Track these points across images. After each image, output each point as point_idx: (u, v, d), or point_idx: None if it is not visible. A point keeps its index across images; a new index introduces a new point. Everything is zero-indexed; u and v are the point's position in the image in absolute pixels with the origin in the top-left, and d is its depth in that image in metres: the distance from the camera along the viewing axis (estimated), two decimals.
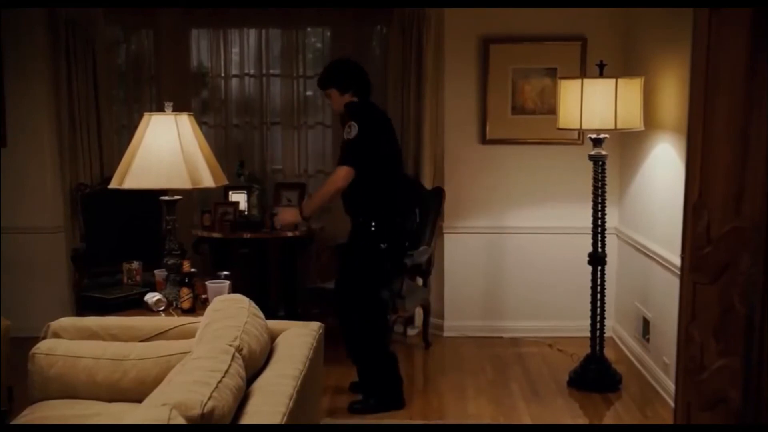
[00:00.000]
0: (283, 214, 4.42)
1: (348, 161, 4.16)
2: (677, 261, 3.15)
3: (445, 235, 5.55)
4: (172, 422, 1.95)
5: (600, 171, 4.54)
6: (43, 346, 3.13)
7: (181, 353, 2.94)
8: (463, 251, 5.58)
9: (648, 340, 4.79)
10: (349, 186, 4.17)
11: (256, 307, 2.95)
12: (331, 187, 4.20)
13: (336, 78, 4.32)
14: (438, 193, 5.34)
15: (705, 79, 2.65)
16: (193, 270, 3.79)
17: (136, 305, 3.83)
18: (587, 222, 4.64)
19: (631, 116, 4.36)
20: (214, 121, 6.00)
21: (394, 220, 4.31)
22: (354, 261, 4.34)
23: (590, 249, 4.63)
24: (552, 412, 4.32)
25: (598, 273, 4.63)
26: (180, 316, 3.61)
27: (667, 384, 4.33)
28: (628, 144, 5.20)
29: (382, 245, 4.26)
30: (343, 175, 4.15)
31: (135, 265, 4.24)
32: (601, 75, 4.45)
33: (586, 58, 5.27)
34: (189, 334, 3.10)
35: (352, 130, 4.14)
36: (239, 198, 5.57)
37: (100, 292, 4.12)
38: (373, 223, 4.23)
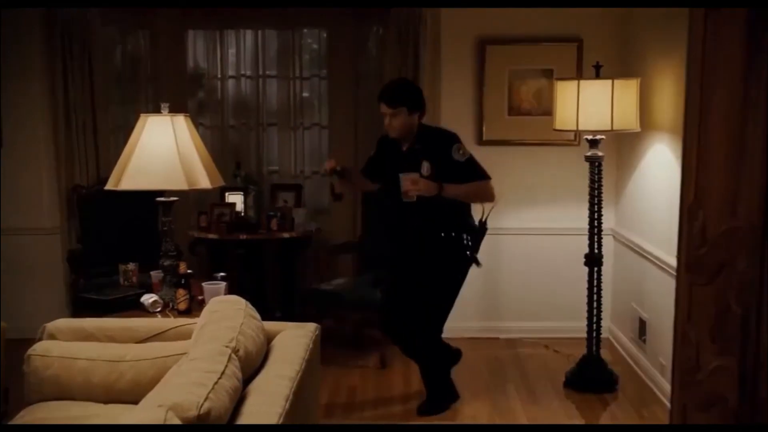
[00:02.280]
0: (424, 182, 4.03)
1: (486, 174, 4.15)
2: (673, 262, 3.15)
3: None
4: (168, 424, 1.94)
5: (596, 172, 4.54)
6: (39, 347, 3.13)
7: (177, 354, 2.93)
8: None
9: (644, 340, 4.79)
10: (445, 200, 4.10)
11: (253, 308, 2.95)
12: (484, 196, 4.16)
13: (410, 96, 4.14)
14: None
15: (701, 80, 2.65)
16: (189, 271, 3.78)
17: (132, 306, 3.82)
18: (584, 223, 4.64)
19: (628, 117, 4.36)
20: (210, 122, 6.01)
21: (480, 229, 4.32)
22: (447, 275, 4.28)
23: (587, 250, 4.63)
24: (548, 413, 4.33)
25: (595, 274, 4.64)
26: (176, 317, 3.61)
27: (663, 385, 4.33)
28: (625, 145, 5.21)
29: (474, 254, 4.30)
30: (493, 189, 4.15)
31: (131, 266, 4.24)
32: (597, 76, 4.45)
33: (583, 60, 5.28)
34: (185, 336, 3.09)
35: (464, 150, 4.11)
36: (236, 199, 5.57)
37: (96, 293, 4.11)
38: (465, 236, 4.23)
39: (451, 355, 4.47)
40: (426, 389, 4.38)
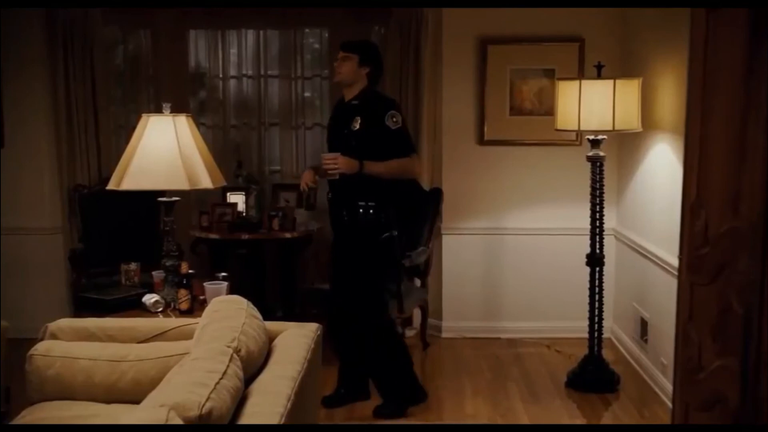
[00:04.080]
0: (343, 160, 4.04)
1: (413, 149, 4.20)
2: (675, 262, 3.15)
3: (443, 236, 5.55)
4: (169, 423, 1.94)
5: (598, 172, 4.54)
6: (41, 347, 3.13)
7: (179, 354, 2.93)
8: (462, 252, 5.58)
9: (646, 341, 4.79)
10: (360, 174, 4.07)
11: (254, 308, 2.95)
12: (408, 172, 4.16)
13: (365, 49, 4.18)
14: (436, 194, 5.33)
15: (702, 80, 2.65)
16: (191, 271, 3.78)
17: (134, 306, 3.82)
18: (585, 223, 4.64)
19: (629, 117, 4.36)
20: (212, 122, 6.01)
21: (404, 206, 4.26)
22: (366, 254, 4.21)
23: (588, 250, 4.63)
24: (550, 413, 4.32)
25: (596, 274, 4.63)
26: (178, 317, 3.61)
27: (664, 385, 4.33)
28: (626, 145, 5.21)
29: (393, 232, 4.19)
30: (419, 164, 4.15)
31: (133, 266, 4.24)
32: (599, 76, 4.45)
33: (584, 59, 5.27)
34: (187, 336, 3.09)
35: (398, 119, 4.10)
36: (237, 199, 5.57)
37: (97, 293, 4.11)
38: (383, 213, 4.14)
39: (407, 357, 4.39)
40: (378, 390, 4.30)
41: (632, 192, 5.13)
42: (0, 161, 5.35)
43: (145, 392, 2.46)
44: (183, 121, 3.82)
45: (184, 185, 3.70)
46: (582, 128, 4.42)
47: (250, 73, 5.97)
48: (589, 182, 4.59)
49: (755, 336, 2.28)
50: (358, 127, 4.12)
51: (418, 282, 5.37)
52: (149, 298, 3.77)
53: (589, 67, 4.85)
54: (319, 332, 3.09)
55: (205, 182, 3.78)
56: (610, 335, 5.43)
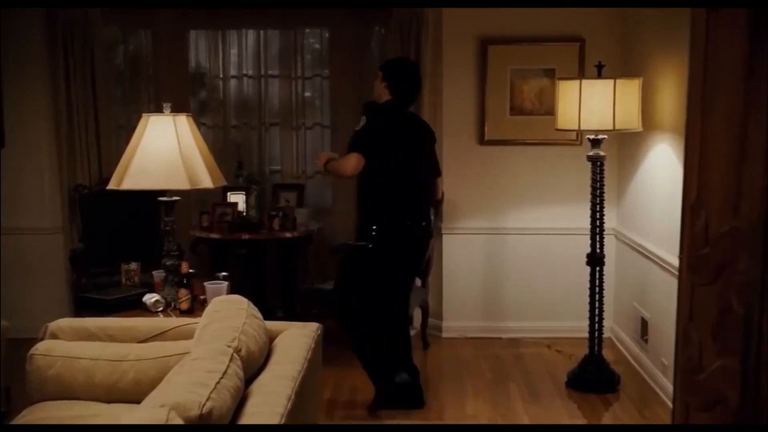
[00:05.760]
0: (321, 158, 4.49)
1: (355, 148, 4.26)
2: (675, 261, 3.15)
3: (444, 236, 5.55)
4: (170, 423, 1.95)
5: (598, 172, 4.54)
6: (42, 347, 3.13)
7: (179, 354, 2.94)
8: (462, 252, 5.58)
9: (646, 340, 4.79)
10: (362, 188, 4.33)
11: (255, 308, 2.95)
12: (340, 169, 4.28)
13: (389, 67, 4.44)
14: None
15: (703, 80, 2.65)
16: (191, 271, 3.78)
17: (134, 306, 3.82)
18: (586, 223, 4.64)
19: (630, 117, 4.36)
20: (212, 122, 6.01)
21: (399, 224, 4.30)
22: (353, 262, 4.40)
23: (589, 250, 4.63)
24: (550, 413, 4.32)
25: (597, 274, 4.63)
26: (178, 317, 3.61)
27: (665, 385, 4.33)
28: (627, 145, 5.21)
29: (382, 249, 4.27)
30: (354, 160, 4.19)
31: (133, 266, 4.24)
32: (599, 76, 4.45)
33: (585, 59, 5.27)
34: (187, 335, 3.09)
35: (360, 123, 4.31)
36: (238, 199, 5.57)
37: (98, 293, 4.11)
38: (374, 227, 4.24)
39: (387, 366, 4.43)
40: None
41: (632, 192, 5.13)
42: (0, 161, 5.35)
43: (145, 392, 2.46)
44: (183, 121, 3.81)
45: (184, 185, 3.70)
46: (582, 128, 4.42)
47: (250, 73, 5.97)
48: (589, 182, 4.59)
49: (755, 336, 2.28)
50: (359, 127, 4.36)
51: (418, 282, 5.36)
52: (149, 298, 3.77)
53: (590, 67, 4.85)
54: (319, 332, 3.09)
55: (206, 182, 3.78)
56: (610, 335, 5.43)
